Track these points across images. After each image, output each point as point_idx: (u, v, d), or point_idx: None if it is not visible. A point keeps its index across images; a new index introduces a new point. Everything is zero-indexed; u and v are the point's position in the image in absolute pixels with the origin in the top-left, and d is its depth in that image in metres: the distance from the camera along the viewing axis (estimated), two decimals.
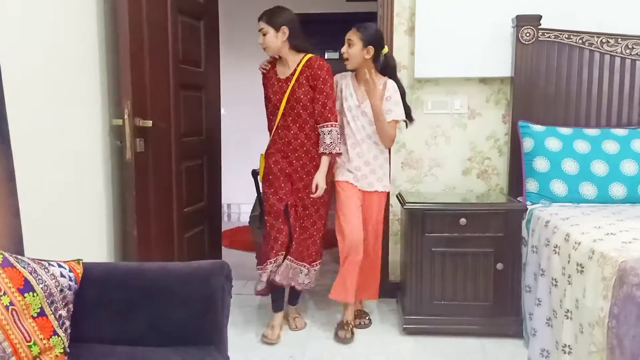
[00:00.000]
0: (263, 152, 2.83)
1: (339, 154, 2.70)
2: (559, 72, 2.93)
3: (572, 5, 2.94)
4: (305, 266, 2.75)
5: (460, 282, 2.71)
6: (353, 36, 2.64)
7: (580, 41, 2.90)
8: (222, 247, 3.62)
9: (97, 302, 1.62)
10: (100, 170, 2.23)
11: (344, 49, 2.67)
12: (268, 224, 2.71)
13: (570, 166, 2.69)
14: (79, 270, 1.58)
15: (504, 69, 3.03)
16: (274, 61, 2.73)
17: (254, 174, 2.96)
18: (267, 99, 2.73)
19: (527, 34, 2.90)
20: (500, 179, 3.21)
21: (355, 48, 2.64)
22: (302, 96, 2.61)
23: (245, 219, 5.79)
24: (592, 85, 2.90)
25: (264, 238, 2.75)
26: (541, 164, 2.75)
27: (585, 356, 1.89)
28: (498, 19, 2.99)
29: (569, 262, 2.07)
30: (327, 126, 2.61)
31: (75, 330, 1.54)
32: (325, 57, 6.23)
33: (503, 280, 2.69)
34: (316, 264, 2.78)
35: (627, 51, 2.88)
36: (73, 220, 2.07)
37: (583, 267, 1.96)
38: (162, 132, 2.45)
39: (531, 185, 2.77)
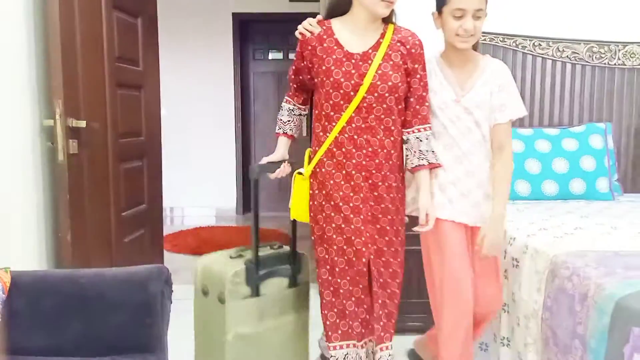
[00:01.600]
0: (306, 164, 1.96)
1: (440, 166, 1.90)
2: None
3: (505, 9, 3.04)
4: (387, 347, 1.89)
5: (406, 279, 2.74)
6: (482, 2, 1.82)
7: (514, 44, 3.00)
8: (165, 251, 3.54)
9: (27, 312, 1.54)
10: (31, 173, 2.12)
11: (470, 25, 1.80)
12: (333, 288, 1.88)
13: (533, 166, 2.76)
14: (7, 279, 1.50)
15: None
16: (326, 26, 1.87)
17: (256, 173, 2.02)
18: (325, 82, 1.82)
19: None
20: None
21: (482, 21, 1.84)
22: (398, 82, 1.82)
23: (189, 222, 5.69)
24: (525, 86, 3.01)
25: (325, 304, 1.91)
26: None
27: (522, 348, 1.96)
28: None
29: (504, 257, 2.14)
30: (425, 129, 1.87)
31: (5, 342, 1.46)
32: (269, 58, 6.21)
33: None
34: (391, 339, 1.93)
35: (558, 54, 3.00)
36: (1, 226, 1.97)
37: (518, 262, 2.03)
38: (98, 133, 2.36)
39: None
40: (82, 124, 2.18)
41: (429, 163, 1.86)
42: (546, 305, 1.78)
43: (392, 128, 1.83)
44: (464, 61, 1.92)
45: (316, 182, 1.89)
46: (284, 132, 2.06)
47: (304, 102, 2.07)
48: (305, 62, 1.90)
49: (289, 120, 2.06)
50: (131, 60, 2.75)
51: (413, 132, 1.87)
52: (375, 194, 1.85)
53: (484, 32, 2.96)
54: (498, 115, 1.87)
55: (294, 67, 1.98)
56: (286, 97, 2.07)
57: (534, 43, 3.00)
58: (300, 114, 2.08)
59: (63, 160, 2.09)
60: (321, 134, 1.86)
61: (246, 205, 6.19)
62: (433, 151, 1.87)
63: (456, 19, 1.82)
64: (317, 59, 1.85)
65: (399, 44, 1.84)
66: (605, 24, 3.00)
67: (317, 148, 1.88)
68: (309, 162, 1.92)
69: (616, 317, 1.41)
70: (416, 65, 1.85)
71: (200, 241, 4.77)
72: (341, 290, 1.88)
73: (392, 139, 1.83)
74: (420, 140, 1.87)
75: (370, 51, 1.82)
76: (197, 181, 5.99)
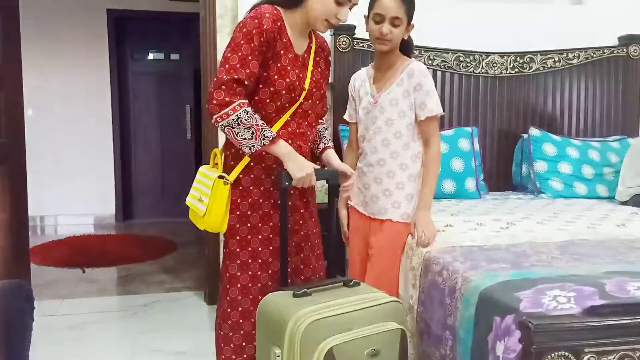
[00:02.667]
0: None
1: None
2: None
3: None
4: None
5: None
6: (400, 10, 1.94)
7: None
8: (32, 264, 3.27)
9: None
10: None
11: (386, 29, 1.95)
12: (242, 309, 1.77)
13: None
14: None
15: None
16: (280, 18, 1.74)
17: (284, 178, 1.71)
18: (278, 82, 1.73)
19: (344, 42, 3.07)
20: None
21: (401, 28, 1.97)
22: (325, 90, 1.91)
23: (63, 232, 5.30)
24: None
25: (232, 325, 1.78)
26: None
27: None
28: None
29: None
30: (325, 122, 2.02)
31: None
32: (150, 58, 5.97)
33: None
34: None
35: (429, 62, 3.17)
36: None
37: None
38: None
39: None
40: None
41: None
42: (420, 299, 1.87)
43: (314, 126, 1.88)
44: (388, 64, 2.06)
45: (238, 190, 1.77)
46: (275, 136, 1.71)
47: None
48: (264, 55, 1.69)
49: (263, 122, 1.71)
50: None
51: (322, 123, 1.98)
52: (305, 200, 1.85)
53: (362, 39, 3.08)
54: (419, 112, 2.01)
55: (251, 61, 1.66)
56: (239, 102, 1.65)
57: None
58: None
59: None
60: None
61: (127, 212, 5.89)
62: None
63: (376, 23, 1.98)
64: (274, 54, 1.72)
65: (320, 50, 1.89)
66: (470, 36, 3.23)
67: (241, 151, 1.73)
68: (228, 166, 1.79)
69: (481, 307, 1.50)
70: (327, 72, 1.93)
71: (74, 251, 4.47)
72: (253, 310, 1.73)
73: (312, 137, 1.89)
74: (326, 129, 2.00)
75: (305, 55, 1.82)
76: (71, 187, 5.60)
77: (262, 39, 1.67)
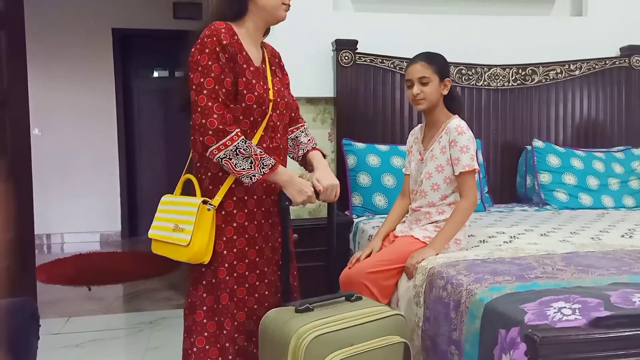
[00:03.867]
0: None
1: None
2: (376, 93, 3.16)
3: (386, 34, 3.19)
4: None
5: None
6: (426, 71, 2.08)
7: (392, 65, 3.15)
8: (39, 282, 3.28)
9: None
10: None
11: (416, 90, 2.08)
12: (215, 340, 1.73)
13: (388, 180, 2.90)
14: None
15: (328, 89, 3.18)
16: (234, 32, 1.69)
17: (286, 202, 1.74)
18: (247, 96, 1.69)
19: (346, 57, 3.09)
20: None
21: (432, 85, 2.08)
22: (289, 98, 1.88)
23: (69, 249, 5.32)
24: (404, 105, 3.17)
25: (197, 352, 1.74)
26: (364, 179, 2.92)
27: None
28: (322, 43, 3.13)
29: None
30: (303, 125, 1.97)
31: None
32: (154, 76, 6.02)
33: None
34: None
35: None
36: None
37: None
38: None
39: (356, 200, 2.92)
40: None
41: (315, 146, 1.93)
42: (426, 316, 1.86)
43: (284, 135, 1.84)
44: (433, 122, 2.17)
45: (222, 215, 1.69)
46: (275, 163, 1.66)
47: None
48: (232, 71, 1.65)
49: (261, 150, 1.66)
50: None
51: (298, 128, 1.94)
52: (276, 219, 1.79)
53: (364, 54, 3.10)
54: (455, 167, 2.08)
55: (225, 79, 1.62)
56: (236, 132, 1.60)
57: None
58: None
59: None
60: None
61: (132, 229, 5.90)
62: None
63: (409, 88, 2.13)
64: (239, 69, 1.66)
65: (272, 57, 1.85)
66: (471, 49, 3.24)
67: (221, 173, 1.69)
68: (205, 190, 1.70)
69: (486, 320, 1.49)
70: (285, 79, 1.89)
71: (80, 269, 4.47)
72: (227, 344, 1.69)
73: (287, 158, 1.86)
74: (304, 134, 1.94)
75: (262, 66, 1.78)
76: (78, 204, 5.62)
77: (226, 55, 1.63)
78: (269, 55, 1.83)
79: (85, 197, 5.65)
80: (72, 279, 4.17)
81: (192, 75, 1.63)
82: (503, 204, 3.20)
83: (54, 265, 4.59)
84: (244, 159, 1.60)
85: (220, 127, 1.58)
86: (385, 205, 2.86)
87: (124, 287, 4.07)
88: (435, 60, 2.11)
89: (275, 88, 1.78)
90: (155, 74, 6.02)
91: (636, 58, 3.38)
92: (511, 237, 2.25)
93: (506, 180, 3.30)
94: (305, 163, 1.93)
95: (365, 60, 3.12)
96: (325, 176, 1.79)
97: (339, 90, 3.11)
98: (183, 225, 1.66)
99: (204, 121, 1.59)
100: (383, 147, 3.02)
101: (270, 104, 1.74)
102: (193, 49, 1.66)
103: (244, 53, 1.70)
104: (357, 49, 3.11)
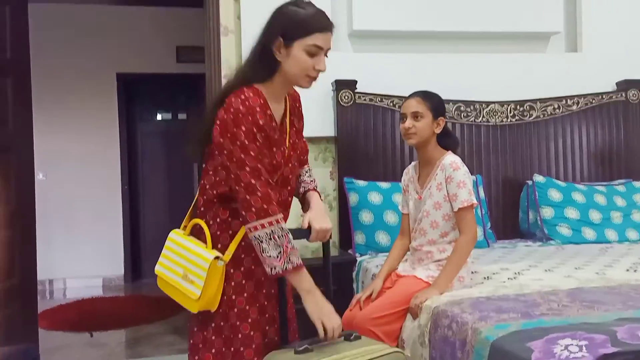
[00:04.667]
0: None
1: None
2: (376, 131, 3.19)
3: (384, 72, 3.24)
4: None
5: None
6: (420, 106, 2.13)
7: (391, 103, 3.20)
8: (40, 329, 3.25)
9: None
10: None
11: (408, 124, 2.13)
12: None
13: (390, 218, 2.90)
14: None
15: (329, 129, 3.21)
16: (265, 103, 1.67)
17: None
18: (266, 163, 1.66)
19: (346, 97, 3.14)
20: (333, 233, 3.33)
21: (424, 121, 2.12)
22: (297, 140, 1.82)
23: (71, 294, 5.27)
24: (404, 142, 3.19)
25: None
26: (366, 217, 2.92)
27: None
28: (322, 83, 3.16)
29: None
30: (307, 166, 1.94)
31: None
32: (158, 119, 6.11)
33: None
34: None
35: None
36: None
37: None
38: None
39: (359, 238, 2.92)
40: None
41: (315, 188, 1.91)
42: (432, 356, 1.83)
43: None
44: (426, 160, 2.19)
45: (230, 260, 1.65)
46: (301, 264, 1.63)
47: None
48: (266, 147, 1.63)
49: (293, 245, 1.62)
50: None
51: (302, 167, 1.89)
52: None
53: (363, 93, 3.15)
54: (452, 203, 2.08)
55: (262, 159, 1.62)
56: (278, 217, 1.59)
57: None
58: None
59: None
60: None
61: (136, 272, 5.87)
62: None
63: (402, 122, 2.18)
64: (270, 140, 1.66)
65: (292, 103, 1.80)
66: (469, 86, 3.29)
67: (230, 219, 1.67)
68: (213, 237, 1.67)
69: (492, 359, 1.47)
70: (301, 124, 1.84)
71: (82, 315, 4.43)
72: None
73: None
74: (308, 175, 1.91)
75: (284, 119, 1.75)
76: (80, 249, 5.62)
77: (262, 134, 1.63)
78: (290, 103, 1.79)
79: (88, 241, 5.64)
80: (74, 325, 4.12)
81: (231, 147, 1.60)
82: (506, 239, 3.18)
83: (56, 311, 4.54)
84: (274, 246, 1.57)
85: (265, 206, 1.57)
86: (388, 242, 2.85)
87: (126, 332, 4.02)
88: (430, 98, 2.15)
89: (291, 141, 1.75)
90: (159, 117, 6.10)
91: (633, 92, 3.42)
92: (515, 274, 2.24)
93: (509, 216, 3.29)
94: (304, 202, 1.92)
95: (364, 100, 3.16)
96: (319, 218, 1.77)
97: (339, 129, 3.15)
98: (193, 277, 1.62)
99: (247, 197, 1.58)
100: (384, 185, 3.03)
101: (283, 160, 1.72)
102: (225, 116, 1.62)
103: (274, 124, 1.68)
104: (356, 88, 3.16)
